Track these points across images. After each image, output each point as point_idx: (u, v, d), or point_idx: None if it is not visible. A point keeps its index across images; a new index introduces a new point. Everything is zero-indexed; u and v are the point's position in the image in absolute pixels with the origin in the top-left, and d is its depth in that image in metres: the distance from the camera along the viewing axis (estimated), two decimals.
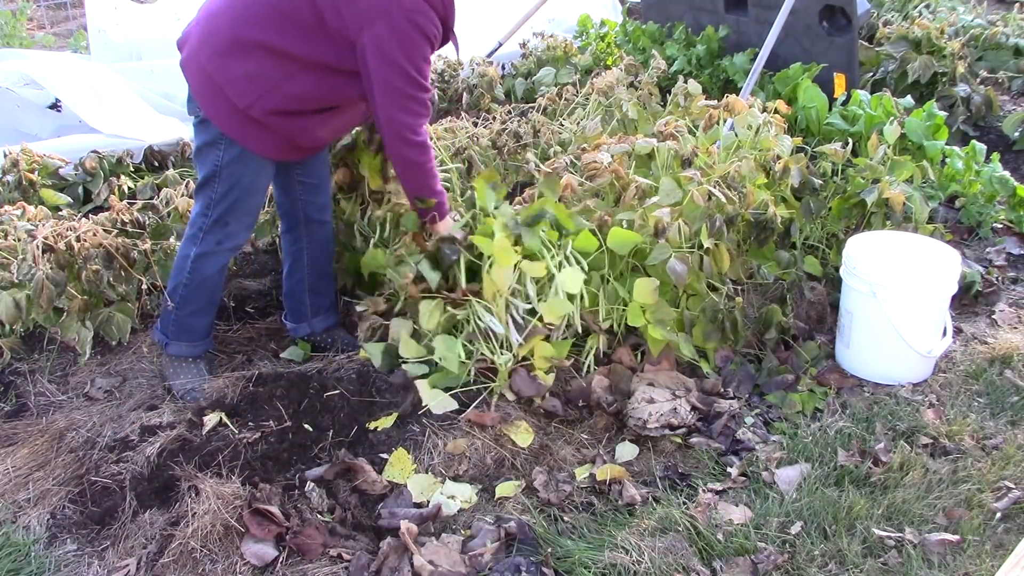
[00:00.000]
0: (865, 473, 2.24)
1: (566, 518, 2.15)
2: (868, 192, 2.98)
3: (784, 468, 2.27)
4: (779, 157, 2.90)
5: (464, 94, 4.55)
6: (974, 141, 3.65)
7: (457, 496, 2.18)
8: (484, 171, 2.63)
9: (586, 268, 2.49)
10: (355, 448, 2.31)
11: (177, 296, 2.52)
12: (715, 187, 2.63)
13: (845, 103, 3.73)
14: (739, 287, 2.87)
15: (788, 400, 2.58)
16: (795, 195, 3.02)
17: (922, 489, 2.18)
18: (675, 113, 3.30)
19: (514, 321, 2.44)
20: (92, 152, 3.51)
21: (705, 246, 2.59)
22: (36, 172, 3.30)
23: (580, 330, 2.58)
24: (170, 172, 3.40)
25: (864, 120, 3.51)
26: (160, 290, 2.78)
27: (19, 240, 2.64)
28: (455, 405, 2.39)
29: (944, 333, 2.68)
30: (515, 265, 2.39)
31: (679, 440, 2.43)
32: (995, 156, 3.70)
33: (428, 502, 2.15)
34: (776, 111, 3.05)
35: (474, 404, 2.40)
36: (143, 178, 3.46)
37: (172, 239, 2.88)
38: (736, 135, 2.97)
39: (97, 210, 3.23)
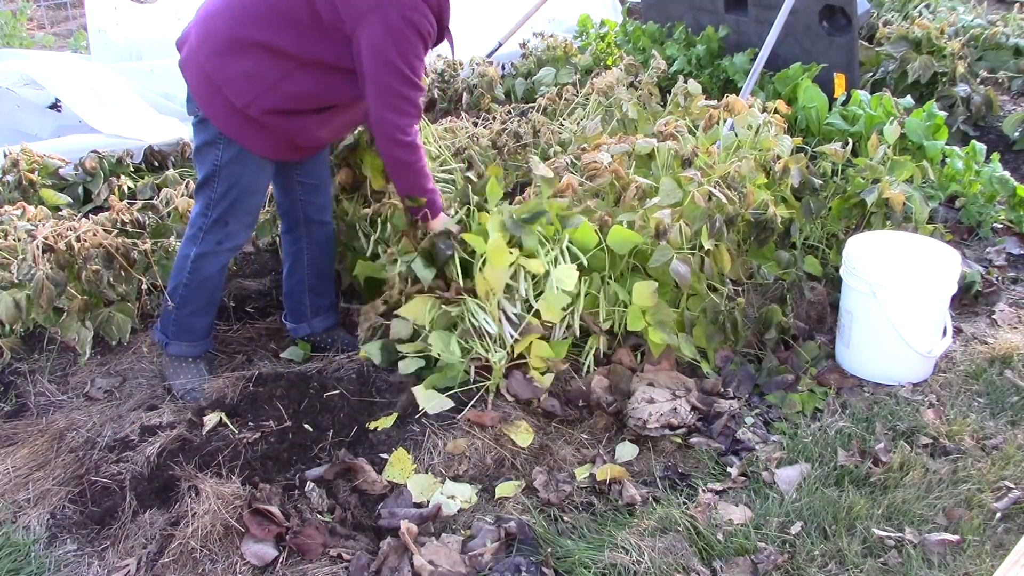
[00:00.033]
0: (865, 473, 2.24)
1: (566, 518, 2.15)
2: (868, 192, 2.98)
3: (784, 468, 2.27)
4: (779, 157, 2.90)
5: (464, 94, 4.55)
6: (974, 141, 3.65)
7: (457, 496, 2.18)
8: (491, 166, 2.63)
9: (584, 261, 2.49)
10: (355, 448, 2.31)
11: (177, 296, 2.52)
12: (715, 187, 2.63)
13: (845, 103, 3.72)
14: (739, 287, 2.87)
15: (788, 400, 2.58)
16: (795, 195, 3.02)
17: (922, 489, 2.18)
18: (675, 113, 3.30)
19: (507, 317, 2.44)
20: (92, 152, 3.51)
21: (706, 247, 2.59)
22: (36, 172, 3.30)
23: (579, 331, 2.58)
24: (170, 172, 3.40)
25: (864, 120, 3.51)
26: (160, 290, 2.78)
27: (19, 240, 2.64)
28: (451, 404, 2.39)
29: (944, 333, 2.68)
30: (509, 265, 2.39)
31: (679, 440, 2.43)
32: (995, 156, 3.70)
33: (428, 502, 2.15)
34: (776, 111, 3.05)
35: (471, 403, 2.40)
36: (143, 178, 3.46)
37: (172, 239, 2.88)
38: (736, 135, 2.97)
39: (97, 210, 3.23)
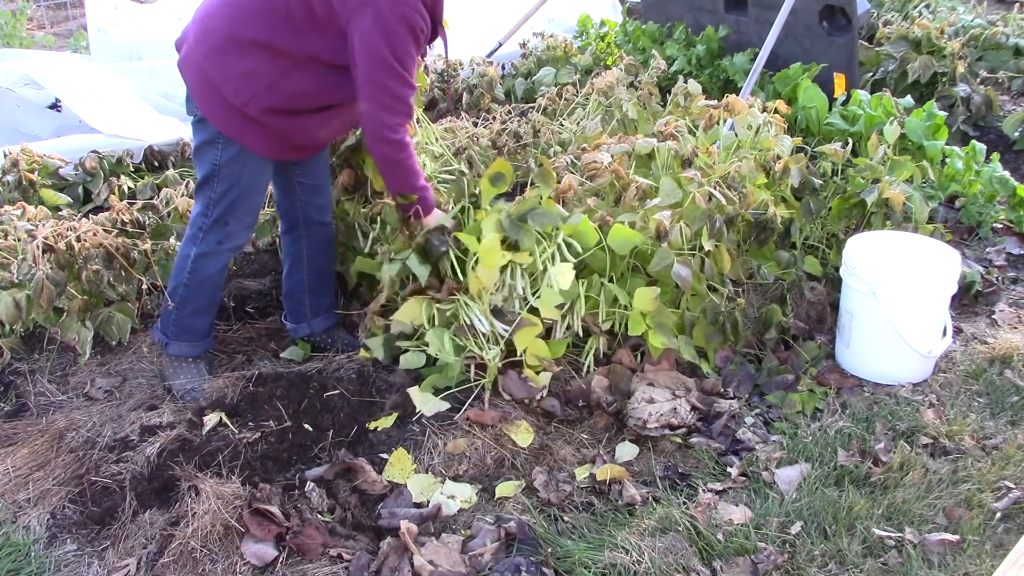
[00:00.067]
0: (865, 473, 2.24)
1: (566, 518, 2.15)
2: (868, 192, 2.98)
3: (784, 468, 2.27)
4: (779, 157, 2.90)
5: (464, 94, 4.55)
6: (974, 141, 3.65)
7: (457, 496, 2.18)
8: (495, 161, 2.63)
9: (580, 250, 2.49)
10: (355, 448, 2.31)
11: (177, 296, 2.52)
12: (715, 187, 2.63)
13: (845, 103, 3.73)
14: (739, 287, 2.87)
15: (788, 400, 2.58)
16: (795, 195, 3.02)
17: (922, 489, 2.18)
18: (675, 113, 3.30)
19: (500, 314, 2.44)
20: (92, 152, 3.51)
21: (706, 248, 2.59)
22: (36, 172, 3.30)
23: (580, 331, 2.58)
24: (170, 172, 3.41)
25: (864, 120, 3.51)
26: (160, 290, 2.78)
27: (19, 240, 2.64)
28: (447, 406, 2.39)
29: (944, 333, 2.68)
30: (502, 269, 2.39)
31: (679, 440, 2.42)
32: (995, 156, 3.70)
33: (428, 502, 2.15)
34: (776, 111, 3.05)
35: (468, 402, 2.40)
36: (143, 178, 3.46)
37: (172, 239, 2.89)
38: (736, 135, 2.97)
39: (97, 210, 3.23)
